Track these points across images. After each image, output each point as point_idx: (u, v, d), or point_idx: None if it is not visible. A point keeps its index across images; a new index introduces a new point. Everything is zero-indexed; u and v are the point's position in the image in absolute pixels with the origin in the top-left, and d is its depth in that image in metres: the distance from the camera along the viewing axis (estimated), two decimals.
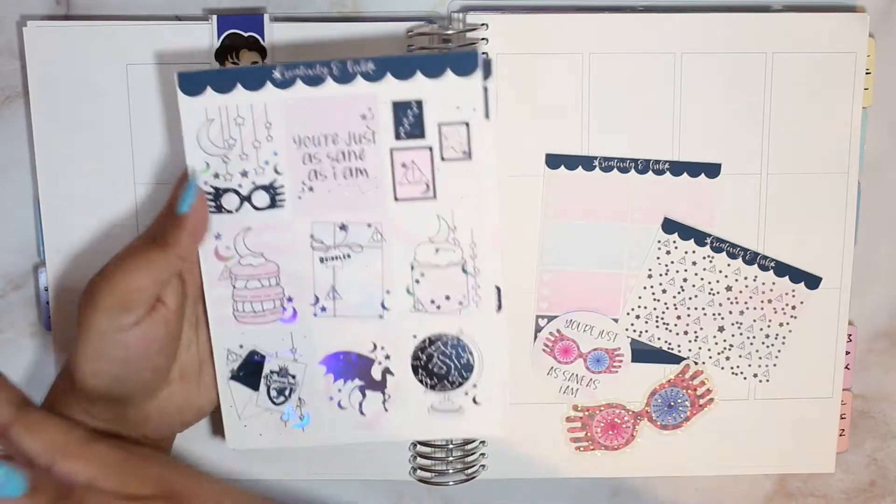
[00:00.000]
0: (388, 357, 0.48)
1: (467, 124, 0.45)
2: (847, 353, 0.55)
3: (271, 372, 0.48)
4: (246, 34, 0.51)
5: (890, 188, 0.55)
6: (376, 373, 0.48)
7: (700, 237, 0.53)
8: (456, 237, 0.46)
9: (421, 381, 0.48)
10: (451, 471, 0.54)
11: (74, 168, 0.52)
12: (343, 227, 0.46)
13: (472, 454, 0.54)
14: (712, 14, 0.52)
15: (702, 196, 0.53)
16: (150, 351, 0.45)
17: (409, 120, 0.45)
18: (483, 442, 0.54)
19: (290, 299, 0.47)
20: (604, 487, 0.56)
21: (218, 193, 0.46)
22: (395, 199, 0.46)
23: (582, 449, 0.55)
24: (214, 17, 0.51)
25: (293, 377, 0.48)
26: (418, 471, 0.54)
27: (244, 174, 0.46)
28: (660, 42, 0.52)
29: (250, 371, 0.48)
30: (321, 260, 0.47)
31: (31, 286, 0.54)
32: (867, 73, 0.52)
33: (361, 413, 0.48)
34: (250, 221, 0.46)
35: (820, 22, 0.52)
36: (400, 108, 0.45)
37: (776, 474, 0.56)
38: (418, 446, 0.54)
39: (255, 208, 0.46)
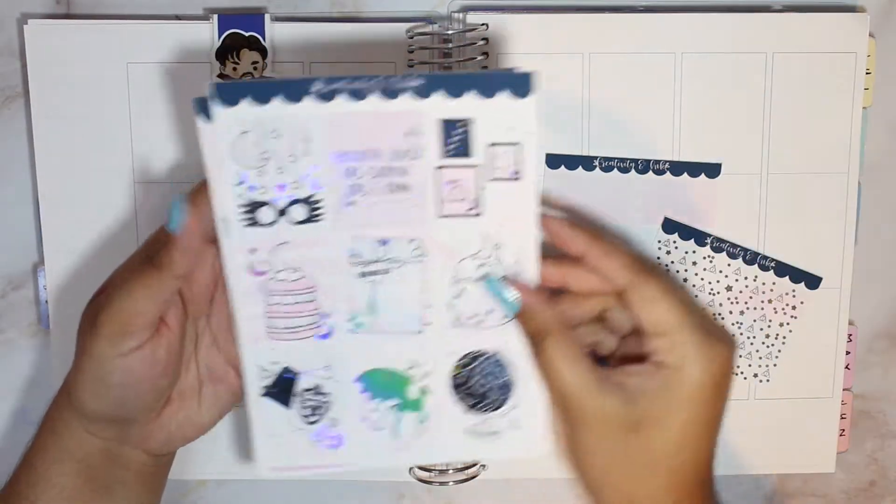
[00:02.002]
0: (426, 375, 0.46)
1: (519, 145, 0.43)
2: (847, 353, 0.55)
3: (304, 390, 0.46)
4: (247, 34, 0.51)
5: (890, 188, 0.55)
6: (413, 392, 0.46)
7: (700, 237, 0.53)
8: (499, 255, 0.45)
9: (460, 401, 0.46)
10: (451, 471, 0.54)
11: (74, 168, 0.52)
12: (384, 242, 0.45)
13: None
14: (712, 14, 0.52)
15: (702, 196, 0.53)
16: (153, 374, 0.45)
17: (456, 138, 0.43)
18: None
19: (325, 315, 0.45)
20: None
21: (253, 207, 0.44)
22: (439, 215, 0.44)
23: None
24: (215, 17, 0.51)
25: (327, 395, 0.46)
26: (418, 471, 0.54)
27: (280, 187, 0.44)
28: (660, 42, 0.52)
29: (282, 388, 0.46)
30: (360, 275, 0.45)
31: (31, 286, 0.54)
32: (867, 73, 0.52)
33: (397, 435, 0.47)
34: (287, 235, 0.44)
35: (820, 22, 0.52)
36: (448, 126, 0.43)
37: (776, 474, 0.56)
38: None
39: (292, 222, 0.44)
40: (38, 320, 0.55)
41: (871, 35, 0.52)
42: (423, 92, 0.42)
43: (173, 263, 0.44)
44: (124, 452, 0.47)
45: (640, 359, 0.45)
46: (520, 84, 0.42)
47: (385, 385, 0.46)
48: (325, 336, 0.46)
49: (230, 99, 0.42)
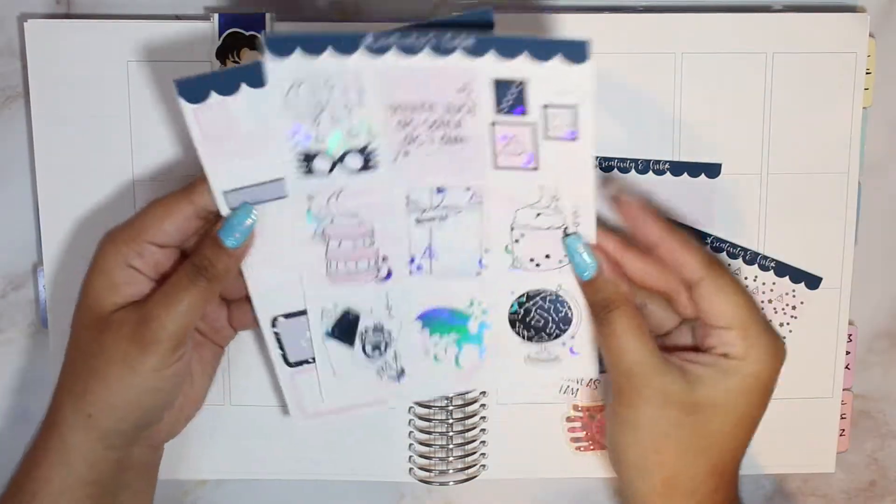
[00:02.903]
0: (485, 312, 0.48)
1: (576, 108, 0.43)
2: (847, 352, 0.55)
3: (366, 329, 0.48)
4: (247, 33, 0.51)
5: (890, 188, 0.55)
6: (473, 327, 0.48)
7: (700, 237, 0.53)
8: (558, 206, 0.46)
9: (518, 334, 0.48)
10: (451, 471, 0.54)
11: (74, 168, 0.52)
12: (440, 191, 0.46)
13: (473, 454, 0.54)
14: (712, 14, 0.52)
15: (702, 196, 0.53)
16: (183, 378, 0.46)
17: (511, 97, 0.43)
18: (483, 442, 0.54)
19: (384, 259, 0.47)
20: (604, 487, 0.56)
21: (309, 156, 0.45)
22: (495, 167, 0.45)
23: (582, 449, 0.55)
24: (216, 16, 0.51)
25: (389, 333, 0.48)
26: (418, 471, 0.54)
27: (337, 137, 0.44)
28: (660, 42, 0.52)
29: (345, 329, 0.48)
30: (417, 221, 0.46)
31: (31, 286, 0.54)
32: (867, 73, 0.52)
33: (458, 365, 0.49)
34: (343, 183, 0.45)
35: (820, 22, 0.52)
36: (502, 86, 0.43)
37: (776, 474, 0.56)
38: (418, 446, 0.54)
39: (348, 171, 0.45)
40: (37, 320, 0.55)
41: (871, 35, 0.52)
42: (475, 51, 0.42)
43: (227, 276, 0.44)
44: (133, 455, 0.47)
45: (695, 348, 0.47)
46: (575, 50, 0.41)
47: (445, 321, 0.48)
48: (385, 279, 0.47)
49: (283, 50, 0.42)
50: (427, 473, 0.54)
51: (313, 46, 0.42)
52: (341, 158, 0.45)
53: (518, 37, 0.42)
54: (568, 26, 0.51)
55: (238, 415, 0.54)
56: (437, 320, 0.48)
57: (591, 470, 0.55)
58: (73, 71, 0.51)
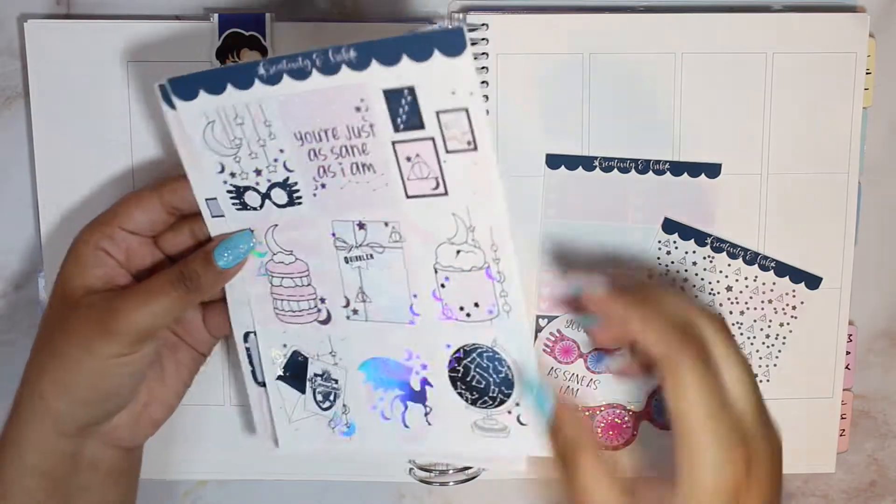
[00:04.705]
0: (424, 367, 0.45)
1: (467, 111, 0.39)
2: (847, 353, 0.55)
3: (315, 375, 0.46)
4: (247, 33, 0.51)
5: (890, 188, 0.55)
6: (415, 383, 0.46)
7: (700, 237, 0.53)
8: (475, 238, 0.42)
9: (461, 395, 0.45)
10: (451, 471, 0.54)
11: (74, 168, 0.52)
12: (362, 226, 0.44)
13: None
14: (712, 14, 0.52)
15: (702, 196, 0.53)
16: (143, 374, 0.45)
17: (404, 109, 0.40)
18: None
19: (322, 300, 0.45)
20: None
21: (239, 192, 0.44)
22: (407, 195, 0.42)
23: None
24: (216, 16, 0.51)
25: (336, 382, 0.46)
26: (418, 471, 0.54)
27: (258, 172, 0.43)
28: (660, 42, 0.52)
29: (295, 372, 0.47)
30: (346, 260, 0.45)
31: (32, 286, 0.54)
32: (867, 73, 0.52)
33: (405, 426, 0.46)
34: (276, 218, 0.44)
35: (820, 22, 0.52)
36: (393, 97, 0.40)
37: None
38: None
39: (277, 205, 0.44)
40: (38, 321, 0.54)
41: (871, 35, 0.52)
42: (359, 64, 0.39)
43: (210, 292, 0.44)
44: (92, 453, 0.46)
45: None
46: (451, 41, 0.38)
47: (387, 375, 0.46)
48: (325, 321, 0.46)
49: (187, 93, 0.42)
50: (427, 473, 0.54)
51: (214, 85, 0.41)
52: (268, 193, 0.44)
53: (395, 38, 0.39)
54: (568, 26, 0.51)
55: (238, 415, 0.54)
56: (379, 372, 0.46)
57: None
58: (73, 71, 0.51)
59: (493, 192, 0.41)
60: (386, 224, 0.43)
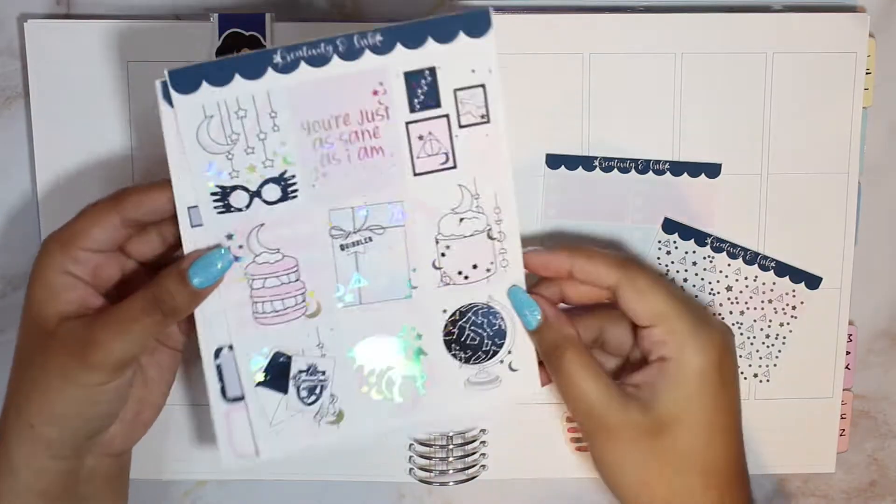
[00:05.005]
0: (419, 337, 0.46)
1: (484, 87, 0.43)
2: (847, 353, 0.55)
3: (299, 371, 0.46)
4: (247, 33, 0.51)
5: (890, 188, 0.55)
6: (409, 355, 0.46)
7: (700, 237, 0.53)
8: (479, 204, 0.45)
9: (455, 356, 0.47)
10: (451, 471, 0.54)
11: (74, 168, 0.52)
12: (362, 210, 0.45)
13: (473, 454, 0.54)
14: (712, 14, 0.52)
15: (702, 196, 0.53)
16: (127, 392, 0.45)
17: (422, 90, 0.43)
18: (483, 442, 0.54)
19: (311, 293, 0.45)
20: (603, 487, 0.56)
21: (225, 192, 0.44)
22: (415, 173, 0.44)
23: (582, 449, 0.55)
24: (216, 16, 0.51)
25: (322, 373, 0.46)
26: (418, 471, 0.54)
27: (251, 169, 0.43)
28: (660, 42, 0.52)
29: (277, 374, 0.46)
30: (341, 248, 0.45)
31: None
32: (867, 73, 0.52)
33: (398, 399, 0.47)
34: (263, 217, 0.44)
35: (820, 22, 0.52)
36: (412, 78, 0.43)
37: (776, 474, 0.56)
38: (418, 446, 0.54)
39: (266, 202, 0.44)
40: None
41: (871, 35, 0.52)
42: (383, 48, 0.42)
43: (185, 313, 0.43)
44: (89, 466, 0.46)
45: (643, 365, 0.46)
46: (476, 23, 0.42)
47: (379, 353, 0.46)
48: (313, 314, 0.46)
49: (189, 85, 0.42)
50: (427, 473, 0.54)
51: (221, 75, 0.42)
52: (258, 191, 0.44)
53: (421, 21, 0.42)
54: (568, 26, 0.51)
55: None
56: (371, 353, 0.46)
57: (591, 470, 0.55)
58: (73, 71, 0.51)
59: (501, 159, 0.44)
60: (390, 204, 0.45)
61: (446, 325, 0.46)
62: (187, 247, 0.44)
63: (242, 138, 0.43)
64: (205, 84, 0.42)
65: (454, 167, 0.44)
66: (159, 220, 0.45)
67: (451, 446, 0.54)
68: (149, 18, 0.52)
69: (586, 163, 0.52)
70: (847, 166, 0.53)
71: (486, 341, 0.47)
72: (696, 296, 0.53)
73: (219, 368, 0.46)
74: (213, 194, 0.44)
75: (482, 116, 0.44)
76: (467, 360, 0.47)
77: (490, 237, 0.45)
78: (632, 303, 0.44)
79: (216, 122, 0.43)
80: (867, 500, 0.57)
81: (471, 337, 0.47)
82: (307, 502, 0.56)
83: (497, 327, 0.46)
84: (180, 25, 0.51)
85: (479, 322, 0.46)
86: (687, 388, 0.44)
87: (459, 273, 0.46)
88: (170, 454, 0.53)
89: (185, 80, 0.42)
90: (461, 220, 0.45)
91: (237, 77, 0.42)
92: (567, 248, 0.46)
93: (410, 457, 0.54)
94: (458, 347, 0.47)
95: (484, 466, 0.55)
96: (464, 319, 0.46)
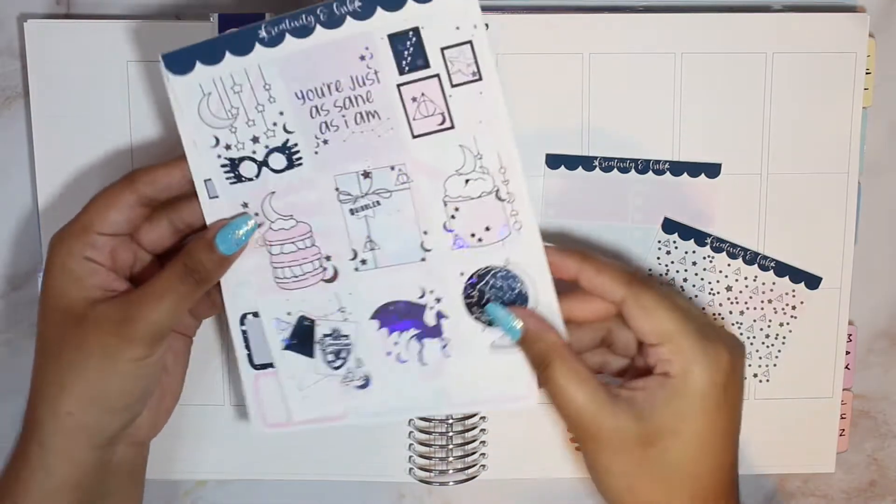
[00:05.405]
0: (438, 300, 0.46)
1: (471, 43, 0.43)
2: (847, 352, 0.55)
3: (324, 336, 0.47)
4: None
5: (890, 188, 0.55)
6: (430, 318, 0.47)
7: (700, 237, 0.53)
8: (483, 165, 0.45)
9: (478, 320, 0.47)
10: (450, 471, 0.54)
11: (74, 168, 0.52)
12: (367, 175, 0.45)
13: (472, 454, 0.54)
14: (712, 14, 0.52)
15: (702, 196, 0.53)
16: (157, 376, 0.46)
17: (409, 51, 0.43)
18: (483, 442, 0.54)
19: (328, 258, 0.46)
20: None
21: (234, 164, 0.45)
22: (413, 136, 0.45)
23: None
24: (216, 16, 0.51)
25: (346, 337, 0.47)
26: (418, 471, 0.54)
27: (255, 140, 0.45)
28: (660, 42, 0.52)
29: (302, 338, 0.47)
30: (351, 212, 0.46)
31: (32, 286, 0.54)
32: (867, 73, 0.52)
33: (423, 363, 0.47)
34: (273, 185, 0.45)
35: (820, 22, 0.52)
36: (397, 41, 0.43)
37: (776, 474, 0.56)
38: (418, 446, 0.54)
39: (274, 171, 0.45)
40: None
41: (871, 35, 0.52)
42: (364, 13, 0.43)
43: (216, 280, 0.45)
44: (119, 457, 0.46)
45: (647, 373, 0.45)
46: None
47: (401, 317, 0.47)
48: (332, 279, 0.46)
49: (183, 67, 0.44)
50: (427, 473, 0.54)
51: (211, 54, 0.43)
52: (265, 160, 0.45)
53: None
54: (568, 26, 0.51)
55: (238, 415, 0.54)
56: (392, 316, 0.47)
57: None
58: (73, 71, 0.51)
59: (498, 117, 0.44)
60: (392, 168, 0.45)
61: (466, 289, 0.46)
62: (209, 217, 0.45)
63: (242, 111, 0.44)
64: (198, 64, 0.44)
65: (452, 127, 0.44)
66: (173, 197, 0.46)
67: (450, 446, 0.54)
68: (149, 18, 0.52)
69: (586, 163, 0.52)
70: (847, 166, 0.53)
71: (508, 303, 0.46)
72: (705, 308, 0.53)
73: (245, 335, 0.47)
74: (223, 166, 0.45)
75: (473, 74, 0.44)
76: (490, 324, 0.47)
77: (499, 198, 0.45)
78: (637, 320, 0.44)
79: (215, 98, 0.44)
80: (867, 500, 0.57)
81: (493, 299, 0.46)
82: (307, 502, 0.56)
83: (518, 291, 0.46)
84: (180, 25, 0.51)
85: (500, 286, 0.46)
86: (686, 405, 0.43)
87: (473, 235, 0.46)
88: (170, 454, 0.53)
89: (179, 61, 0.44)
90: (466, 181, 0.45)
91: (228, 55, 0.43)
92: (579, 253, 0.46)
93: (410, 457, 0.54)
94: (479, 311, 0.47)
95: (484, 466, 0.55)
96: (482, 283, 0.46)
